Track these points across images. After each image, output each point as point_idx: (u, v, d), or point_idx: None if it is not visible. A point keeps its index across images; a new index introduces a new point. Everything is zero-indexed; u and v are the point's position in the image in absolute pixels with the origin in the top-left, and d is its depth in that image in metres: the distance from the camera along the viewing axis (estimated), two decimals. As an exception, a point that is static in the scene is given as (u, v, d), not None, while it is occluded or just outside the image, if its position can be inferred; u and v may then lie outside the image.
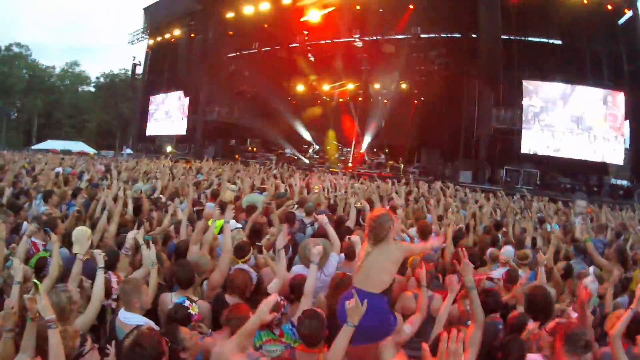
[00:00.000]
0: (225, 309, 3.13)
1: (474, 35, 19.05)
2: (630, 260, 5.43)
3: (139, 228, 4.05)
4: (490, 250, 5.26)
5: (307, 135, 27.66)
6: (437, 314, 3.34)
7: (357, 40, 22.54)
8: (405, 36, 22.03)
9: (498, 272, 4.59)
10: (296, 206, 6.36)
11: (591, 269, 4.95)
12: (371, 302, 2.74)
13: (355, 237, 3.94)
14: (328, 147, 26.48)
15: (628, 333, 2.96)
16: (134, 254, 3.97)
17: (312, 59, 25.69)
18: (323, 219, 4.44)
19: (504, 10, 16.90)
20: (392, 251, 2.93)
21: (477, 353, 2.62)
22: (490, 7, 16.52)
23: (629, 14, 18.14)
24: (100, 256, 3.26)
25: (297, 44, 24.54)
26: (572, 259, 5.51)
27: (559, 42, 21.18)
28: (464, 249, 3.31)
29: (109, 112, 51.56)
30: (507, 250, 4.91)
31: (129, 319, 2.86)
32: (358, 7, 21.15)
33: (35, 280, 2.81)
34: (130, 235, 3.88)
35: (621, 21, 18.71)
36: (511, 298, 3.83)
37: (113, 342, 2.52)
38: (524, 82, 19.30)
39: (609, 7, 17.66)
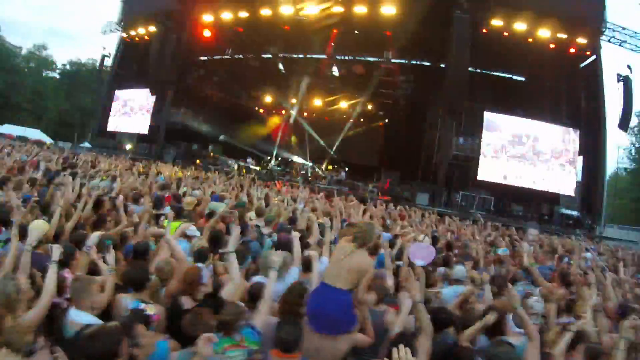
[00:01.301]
0: (181, 312, 3.16)
1: (442, 65, 19.75)
2: (573, 282, 5.67)
3: (99, 226, 4.01)
4: (442, 269, 5.49)
5: (269, 147, 27.74)
6: (389, 326, 3.49)
7: (329, 58, 22.86)
8: (377, 59, 22.62)
9: (449, 290, 4.79)
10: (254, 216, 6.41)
11: (537, 290, 5.28)
12: (341, 297, 3.06)
13: (313, 252, 4.04)
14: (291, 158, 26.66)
15: (570, 345, 3.26)
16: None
17: (283, 71, 25.85)
18: (295, 234, 4.62)
19: (474, 44, 17.60)
20: (367, 262, 3.24)
21: None
22: (461, 40, 17.22)
23: (591, 57, 19.35)
24: (56, 250, 3.17)
25: (270, 55, 24.62)
26: (520, 281, 5.79)
27: (522, 78, 22.41)
28: (411, 259, 3.57)
29: (71, 102, 49.56)
30: (459, 270, 5.14)
31: (79, 316, 2.82)
32: (335, 31, 21.57)
33: None
34: (96, 235, 3.79)
35: (583, 64, 19.95)
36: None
37: (60, 343, 2.49)
38: (486, 114, 20.25)
39: (573, 50, 18.82)
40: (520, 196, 19.68)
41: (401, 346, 2.19)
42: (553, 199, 19.91)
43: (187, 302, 3.30)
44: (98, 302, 3.05)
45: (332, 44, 21.87)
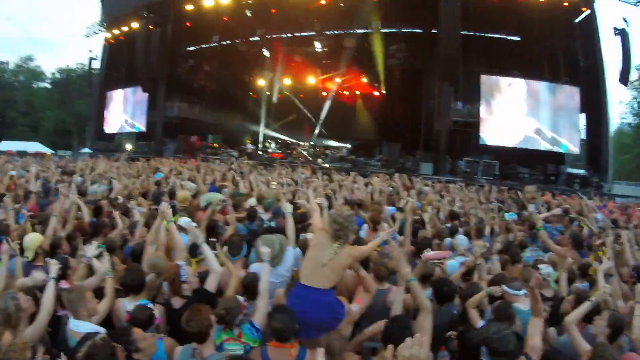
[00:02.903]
0: (172, 312, 3.16)
1: (434, 31, 19.35)
2: (585, 246, 5.57)
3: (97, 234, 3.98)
4: (448, 240, 5.39)
5: (268, 131, 27.64)
6: (390, 305, 3.45)
7: (318, 34, 22.50)
8: (366, 30, 22.21)
9: (453, 262, 4.70)
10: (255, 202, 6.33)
11: (547, 255, 5.17)
12: (319, 298, 2.94)
13: (309, 234, 3.95)
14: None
15: (585, 316, 3.15)
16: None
17: (272, 53, 25.53)
18: (287, 206, 4.51)
19: (464, 7, 17.19)
20: (346, 256, 3.05)
21: (431, 336, 2.73)
22: (451, 4, 16.81)
23: (586, 12, 18.82)
24: (54, 266, 3.19)
25: (258, 38, 24.26)
26: (528, 247, 5.64)
27: (517, 38, 21.92)
28: (392, 243, 3.44)
29: (66, 110, 49.27)
30: (461, 240, 5.04)
31: (79, 326, 2.83)
32: (323, 2, 21.14)
33: None
34: (94, 245, 3.73)
35: (578, 19, 19.43)
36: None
37: (62, 354, 2.45)
38: (482, 77, 19.86)
39: (566, 4, 18.31)
40: (525, 158, 19.40)
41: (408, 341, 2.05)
42: (558, 158, 19.64)
43: (176, 302, 3.26)
44: (95, 308, 3.06)
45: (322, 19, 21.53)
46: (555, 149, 19.30)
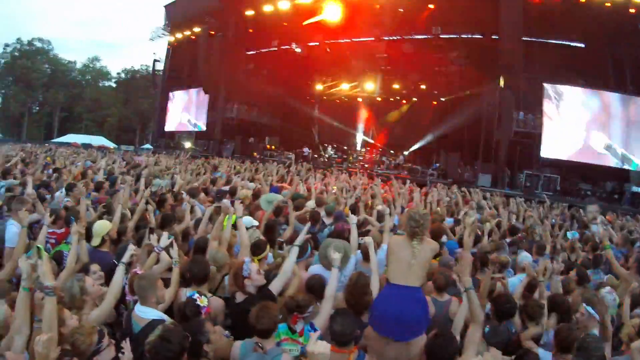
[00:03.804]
0: (234, 306, 3.20)
1: (494, 37, 18.74)
2: None
3: (165, 226, 4.12)
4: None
5: (327, 135, 27.78)
6: (453, 317, 3.37)
7: (377, 39, 22.38)
8: (425, 36, 21.84)
9: (514, 279, 4.51)
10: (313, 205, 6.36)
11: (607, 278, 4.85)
12: (417, 295, 2.96)
13: (368, 238, 3.93)
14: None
15: None
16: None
17: (331, 58, 25.71)
18: (352, 218, 4.55)
19: (526, 12, 16.60)
20: (429, 250, 3.09)
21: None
22: (511, 8, 16.25)
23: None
24: (129, 252, 3.29)
25: (317, 43, 24.51)
26: (590, 269, 5.32)
27: (581, 45, 20.74)
28: (463, 253, 3.35)
29: (129, 108, 52.36)
30: (524, 256, 4.82)
31: (145, 312, 2.89)
32: (377, 6, 21.05)
33: (37, 245, 2.85)
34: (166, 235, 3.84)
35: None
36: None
37: (127, 339, 2.52)
38: (545, 85, 18.93)
39: (632, 10, 17.14)
40: (587, 174, 18.27)
41: None
42: (622, 175, 18.18)
43: (240, 296, 3.32)
44: (163, 296, 3.11)
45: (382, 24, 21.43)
46: (626, 166, 17.95)
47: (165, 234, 3.71)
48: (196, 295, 3.04)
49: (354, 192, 8.34)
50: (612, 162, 18.05)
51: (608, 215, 11.19)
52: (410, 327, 2.89)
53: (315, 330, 2.94)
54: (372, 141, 27.47)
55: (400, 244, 3.12)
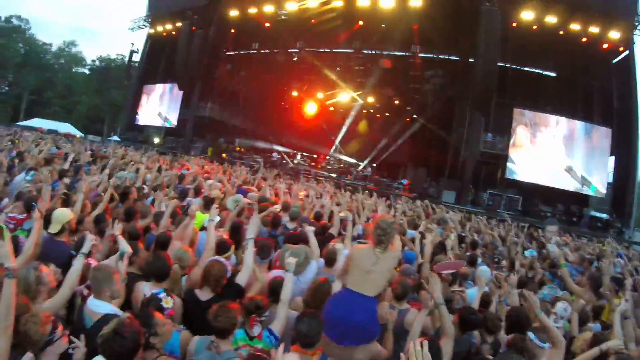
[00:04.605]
0: (196, 304, 3.16)
1: (471, 60, 19.33)
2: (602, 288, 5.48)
3: (129, 220, 4.06)
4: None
5: (296, 141, 27.81)
6: (408, 327, 3.40)
7: (356, 52, 22.69)
8: (404, 53, 22.32)
9: (473, 291, 4.64)
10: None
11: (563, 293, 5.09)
12: (369, 304, 2.97)
13: (338, 245, 3.97)
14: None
15: (599, 357, 3.15)
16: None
17: (309, 66, 25.89)
18: (309, 227, 4.61)
19: (503, 38, 17.12)
20: (392, 258, 3.13)
21: None
22: (490, 34, 16.75)
23: (624, 53, 18.68)
24: (89, 241, 3.20)
25: (297, 50, 24.62)
26: (547, 284, 5.59)
27: (553, 74, 21.71)
28: (436, 270, 3.44)
29: (101, 97, 50.86)
30: (484, 271, 4.97)
31: (98, 306, 2.78)
32: (361, 23, 21.41)
33: (1, 225, 2.74)
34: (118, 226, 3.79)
35: (615, 60, 19.25)
36: None
37: (83, 334, 2.45)
38: (515, 110, 19.71)
39: (605, 45, 18.16)
40: (548, 196, 19.03)
41: (417, 341, 2.05)
42: (582, 200, 19.22)
43: (203, 294, 3.29)
44: (120, 290, 3.02)
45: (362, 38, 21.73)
46: (585, 189, 18.93)
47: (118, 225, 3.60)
48: (162, 295, 2.95)
49: (320, 199, 8.39)
50: (573, 185, 18.98)
51: (565, 236, 11.68)
52: (350, 333, 2.90)
53: (275, 336, 2.94)
54: (339, 155, 27.55)
55: (362, 252, 3.15)
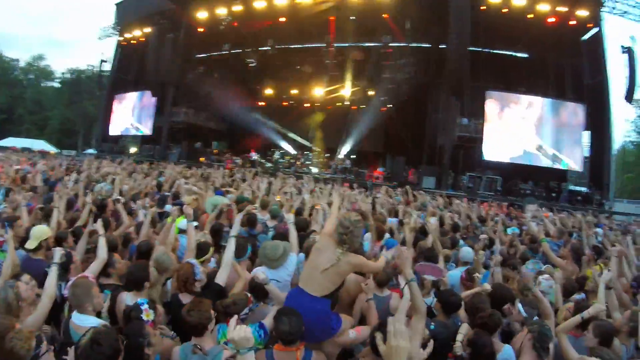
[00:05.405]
0: (179, 308, 3.13)
1: (442, 46, 19.52)
2: (584, 259, 5.60)
3: (106, 228, 4.04)
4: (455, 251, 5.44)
5: (274, 139, 27.74)
6: (394, 312, 3.42)
7: (328, 46, 22.71)
8: (375, 44, 22.40)
9: (456, 272, 4.74)
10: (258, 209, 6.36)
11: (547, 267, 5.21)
12: (312, 305, 2.85)
13: (317, 236, 3.99)
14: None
15: (582, 324, 3.23)
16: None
17: (281, 63, 25.78)
18: (289, 217, 4.60)
19: (473, 23, 17.34)
20: (345, 264, 2.92)
21: (422, 342, 2.64)
22: (460, 20, 16.94)
23: (593, 30, 19.11)
24: (58, 252, 3.22)
25: (268, 48, 24.51)
26: (529, 260, 5.71)
27: (524, 55, 22.08)
28: (401, 247, 3.44)
29: (73, 110, 49.66)
30: (466, 251, 5.07)
31: (83, 320, 2.80)
32: (332, 18, 21.42)
33: None
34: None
35: (585, 37, 19.69)
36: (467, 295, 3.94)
37: (72, 347, 2.39)
38: (488, 92, 20.04)
39: (574, 22, 18.54)
40: (527, 175, 19.44)
41: (391, 319, 2.02)
42: (561, 175, 19.67)
43: (185, 298, 3.30)
44: (100, 303, 3.05)
45: (332, 32, 21.76)
46: (556, 166, 19.41)
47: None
48: (145, 307, 2.89)
49: (299, 195, 8.40)
50: (545, 162, 19.44)
51: (544, 212, 11.94)
52: (305, 332, 2.76)
53: (265, 331, 2.94)
54: (312, 145, 27.56)
55: (324, 248, 3.01)
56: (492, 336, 2.97)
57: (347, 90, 25.32)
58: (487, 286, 3.74)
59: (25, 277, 3.31)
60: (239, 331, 2.04)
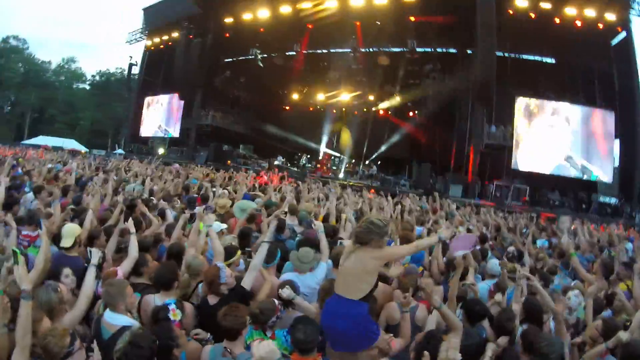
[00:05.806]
0: (208, 309, 3.19)
1: (469, 51, 19.26)
2: (615, 275, 5.40)
3: (137, 228, 4.11)
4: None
5: (302, 143, 27.85)
6: (421, 324, 3.39)
7: (354, 51, 22.71)
8: (401, 49, 22.28)
9: (483, 285, 4.63)
10: (287, 214, 6.36)
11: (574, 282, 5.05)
12: (350, 310, 2.77)
13: (345, 242, 3.97)
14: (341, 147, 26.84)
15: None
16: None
17: (308, 68, 25.90)
18: (319, 225, 4.52)
19: (500, 28, 17.07)
20: (368, 260, 2.84)
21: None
22: (486, 24, 16.69)
23: (622, 34, 18.56)
24: (96, 254, 3.28)
25: (294, 52, 24.66)
26: (558, 274, 5.54)
27: (552, 60, 21.59)
28: (450, 254, 3.36)
29: (103, 111, 51.22)
30: (493, 264, 4.95)
31: (115, 319, 2.84)
32: (357, 23, 21.44)
33: (14, 248, 2.80)
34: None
35: (614, 41, 19.13)
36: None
37: (95, 342, 2.49)
38: (517, 99, 19.60)
39: (601, 26, 18.00)
40: (556, 184, 18.93)
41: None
42: (590, 186, 19.06)
43: (212, 299, 3.34)
44: (133, 303, 3.10)
45: (359, 37, 21.80)
46: (586, 177, 18.79)
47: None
48: (172, 307, 2.95)
49: (327, 201, 8.36)
50: (573, 173, 18.84)
51: (574, 224, 11.58)
52: (340, 340, 2.78)
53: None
54: (337, 153, 27.49)
55: (346, 252, 2.98)
56: None
57: (373, 95, 25.25)
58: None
59: (67, 270, 3.45)
60: (264, 347, 2.05)
